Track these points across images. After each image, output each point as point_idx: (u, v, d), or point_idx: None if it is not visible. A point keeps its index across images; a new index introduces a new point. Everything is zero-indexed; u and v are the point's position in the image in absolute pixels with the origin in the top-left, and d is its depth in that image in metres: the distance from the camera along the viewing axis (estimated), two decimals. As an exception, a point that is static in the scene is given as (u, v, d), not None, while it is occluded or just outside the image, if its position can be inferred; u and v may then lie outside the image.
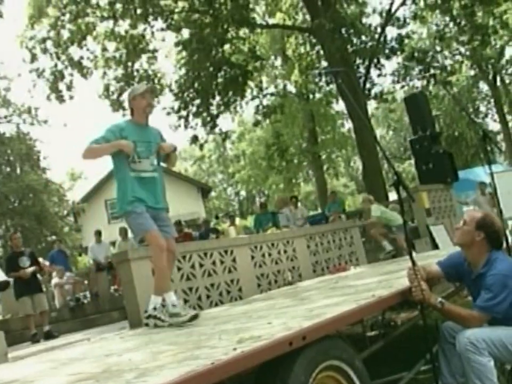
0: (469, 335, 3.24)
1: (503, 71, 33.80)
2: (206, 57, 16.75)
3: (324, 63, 19.61)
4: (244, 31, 18.78)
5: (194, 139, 18.88)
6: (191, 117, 18.26)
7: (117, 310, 9.70)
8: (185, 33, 18.13)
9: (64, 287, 12.24)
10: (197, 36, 16.77)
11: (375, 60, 18.09)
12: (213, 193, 47.22)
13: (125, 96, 18.50)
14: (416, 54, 19.68)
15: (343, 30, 16.61)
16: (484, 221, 3.48)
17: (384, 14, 18.28)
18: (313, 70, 19.46)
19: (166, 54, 20.83)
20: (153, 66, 19.07)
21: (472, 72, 32.64)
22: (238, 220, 21.43)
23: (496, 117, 36.41)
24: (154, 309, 4.24)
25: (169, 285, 4.41)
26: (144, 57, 18.64)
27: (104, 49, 18.28)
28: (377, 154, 16.06)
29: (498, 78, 33.92)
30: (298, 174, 29.22)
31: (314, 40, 18.56)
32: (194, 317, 4.09)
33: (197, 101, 17.97)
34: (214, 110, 18.49)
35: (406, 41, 19.47)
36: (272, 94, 24.09)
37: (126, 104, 18.43)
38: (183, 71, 18.20)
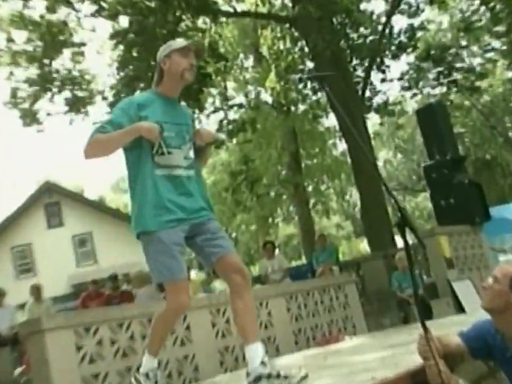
0: None
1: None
2: (149, 53, 16.81)
3: (310, 64, 20.04)
4: (203, 20, 19.02)
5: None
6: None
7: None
8: (124, 21, 18.27)
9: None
10: (138, 25, 16.86)
11: (378, 60, 18.55)
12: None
13: (39, 105, 18.44)
14: (433, 52, 20.14)
15: (335, 20, 17.04)
16: (524, 278, 3.42)
17: (390, -1, 18.73)
18: (295, 73, 19.78)
19: (98, 50, 20.91)
20: (79, 66, 19.06)
21: (510, 74, 32.44)
22: (194, 274, 21.35)
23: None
24: (263, 363, 3.81)
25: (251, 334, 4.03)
26: (66, 52, 18.55)
27: (10, 39, 17.86)
28: (380, 185, 16.32)
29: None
30: (276, 211, 29.40)
31: (296, 34, 18.93)
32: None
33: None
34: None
35: (420, 34, 20.03)
36: (240, 105, 24.28)
37: (42, 116, 18.62)
38: (120, 72, 18.30)
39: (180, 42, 4.29)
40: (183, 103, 4.52)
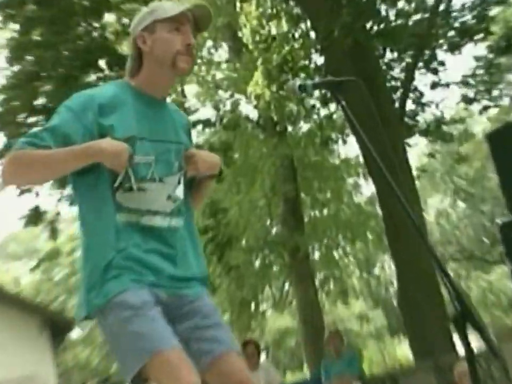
0: None
1: None
2: (60, 37, 16.92)
3: (318, 59, 20.28)
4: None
5: (36, 216, 18.90)
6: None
7: None
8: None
9: None
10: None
11: (427, 53, 18.74)
12: (76, 334, 46.53)
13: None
14: (514, 39, 20.31)
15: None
16: None
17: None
18: (293, 75, 20.00)
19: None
20: None
21: None
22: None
23: None
24: None
25: None
26: None
27: None
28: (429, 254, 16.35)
29: None
30: (262, 291, 29.43)
31: (297, 10, 19.24)
32: None
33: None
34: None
35: (495, 11, 20.16)
36: (207, 122, 23.94)
37: None
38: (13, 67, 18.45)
39: (169, 6, 4.06)
40: (172, 105, 4.34)
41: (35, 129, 3.85)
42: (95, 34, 17.99)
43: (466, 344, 3.41)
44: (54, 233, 20.14)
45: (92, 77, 18.06)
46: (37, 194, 18.40)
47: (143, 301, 3.61)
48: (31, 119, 18.01)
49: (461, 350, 15.04)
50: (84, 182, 3.84)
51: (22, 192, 18.09)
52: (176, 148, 4.05)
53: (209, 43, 25.64)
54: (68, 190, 18.71)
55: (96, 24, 17.99)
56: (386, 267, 40.48)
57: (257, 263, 27.02)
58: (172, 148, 4.03)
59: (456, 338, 17.12)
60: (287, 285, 30.55)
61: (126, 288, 3.63)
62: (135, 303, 3.58)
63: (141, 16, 4.07)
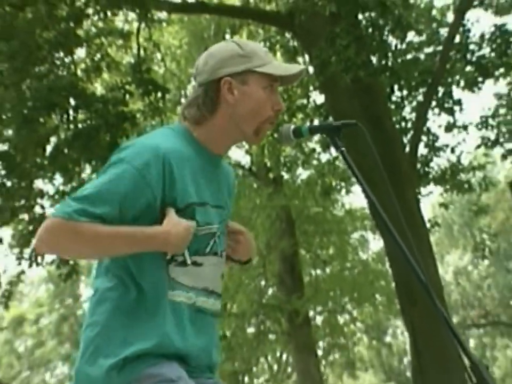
0: None
1: None
2: (22, 74, 17.02)
3: (318, 98, 20.37)
4: (125, 17, 19.47)
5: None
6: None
7: None
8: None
9: None
10: (3, 22, 17.01)
11: (440, 91, 18.82)
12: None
13: None
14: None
15: (363, 18, 17.34)
16: None
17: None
18: (289, 116, 20.09)
19: None
20: None
21: None
22: None
23: None
24: None
25: None
26: None
27: None
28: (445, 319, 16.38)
29: None
30: (257, 363, 29.39)
31: (294, 43, 19.37)
32: None
33: (3, 183, 18.22)
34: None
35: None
36: None
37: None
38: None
39: (267, 56, 3.79)
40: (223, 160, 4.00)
41: (87, 187, 3.45)
42: (61, 72, 18.07)
43: None
44: (8, 299, 19.82)
45: (55, 120, 18.10)
46: None
47: (180, 375, 3.44)
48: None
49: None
50: (135, 259, 3.55)
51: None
52: (227, 214, 3.95)
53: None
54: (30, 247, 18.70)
55: (66, 60, 18.09)
56: (399, 334, 40.39)
57: (250, 330, 26.95)
58: (225, 214, 3.91)
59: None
60: (285, 355, 30.52)
61: (157, 362, 3.43)
62: (171, 375, 3.40)
63: (228, 56, 3.69)
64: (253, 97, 3.63)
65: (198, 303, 3.62)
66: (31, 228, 18.43)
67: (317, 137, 20.87)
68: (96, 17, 18.40)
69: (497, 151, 21.29)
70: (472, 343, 43.14)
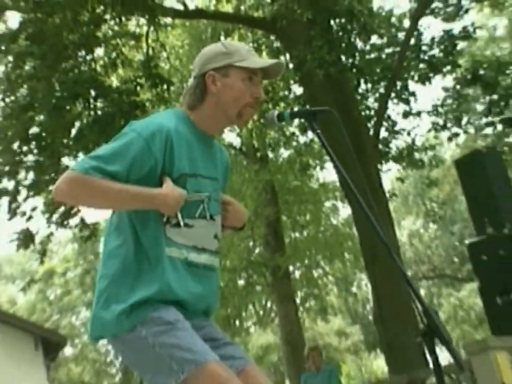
0: None
1: None
2: (51, 70, 16.96)
3: (297, 90, 20.30)
4: (136, 22, 19.33)
5: (28, 239, 18.74)
6: (23, 193, 18.27)
7: None
8: (13, 20, 18.46)
9: None
10: (35, 27, 17.01)
11: (399, 84, 18.82)
12: (69, 351, 46.50)
13: None
14: (481, 72, 20.41)
15: (334, 24, 17.31)
16: None
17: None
18: (274, 104, 20.02)
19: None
20: None
21: None
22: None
23: None
24: None
25: None
26: None
27: None
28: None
29: None
30: (245, 310, 29.39)
31: (277, 44, 19.24)
32: None
33: (36, 160, 18.07)
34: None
35: (462, 45, 20.31)
36: None
37: None
38: (6, 98, 18.38)
39: (248, 54, 3.86)
40: (217, 142, 4.10)
41: (102, 149, 3.62)
42: (83, 67, 18.10)
43: (434, 358, 3.43)
44: (43, 256, 19.95)
45: (79, 108, 18.18)
46: (29, 218, 18.36)
47: (177, 318, 3.53)
48: (25, 147, 18.05)
49: (431, 364, 14.88)
50: (139, 212, 3.67)
51: (13, 216, 18.11)
52: (219, 186, 3.96)
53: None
54: (58, 213, 18.69)
55: (87, 57, 18.06)
56: (363, 285, 40.40)
57: (241, 283, 26.93)
58: (218, 186, 3.93)
59: (426, 353, 17.04)
60: (269, 303, 30.48)
61: (158, 307, 3.52)
62: (170, 318, 3.50)
63: (214, 54, 3.84)
64: (233, 87, 3.75)
65: (189, 258, 3.68)
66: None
67: (296, 122, 20.89)
68: (112, 22, 18.37)
69: (445, 135, 21.20)
70: (422, 292, 43.17)
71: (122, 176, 3.49)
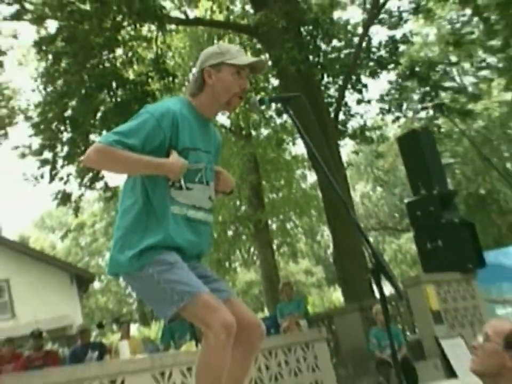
0: None
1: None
2: (81, 65, 16.96)
3: (274, 82, 20.25)
4: (148, 28, 19.24)
5: (65, 198, 18.74)
6: (60, 162, 18.24)
7: None
8: (52, 26, 18.48)
9: None
10: (69, 32, 16.99)
11: (354, 78, 18.84)
12: (96, 285, 46.57)
13: None
14: (417, 69, 20.52)
15: (303, 30, 17.32)
16: (518, 335, 3.36)
17: (368, 6, 19.13)
18: (256, 92, 19.99)
19: (20, 60, 20.88)
20: (-2, 79, 19.12)
21: (508, 96, 31.52)
22: (135, 329, 21.14)
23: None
24: None
25: None
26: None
27: None
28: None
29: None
30: (233, 254, 29.45)
31: (259, 46, 19.17)
32: None
33: (70, 136, 18.04)
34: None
35: (402, 48, 20.38)
36: None
37: None
38: (47, 88, 18.30)
39: (237, 54, 3.93)
40: (212, 125, 4.21)
41: (122, 126, 3.73)
42: (106, 64, 18.10)
43: (380, 290, 3.48)
44: (76, 211, 20.24)
45: (103, 96, 18.24)
46: (65, 182, 18.48)
47: (177, 260, 3.67)
48: (62, 127, 18.13)
49: (378, 294, 14.99)
50: (150, 176, 3.75)
51: (52, 180, 18.19)
52: (214, 159, 4.04)
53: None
54: (89, 177, 18.87)
55: (109, 56, 18.06)
56: (325, 235, 40.42)
57: (229, 233, 27.01)
58: (212, 158, 3.99)
59: (374, 286, 17.12)
60: (252, 249, 30.53)
61: (162, 252, 3.65)
62: (171, 260, 3.64)
63: (210, 54, 3.91)
64: (224, 80, 3.83)
65: (188, 215, 3.79)
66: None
67: (273, 107, 20.87)
68: (129, 28, 18.30)
69: (389, 117, 21.25)
70: (371, 240, 43.45)
71: (138, 148, 3.60)
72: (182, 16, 21.58)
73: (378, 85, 37.84)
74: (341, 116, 19.17)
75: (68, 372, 6.47)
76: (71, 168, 18.64)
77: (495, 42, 20.63)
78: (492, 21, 19.14)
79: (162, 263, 3.63)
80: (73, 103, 17.94)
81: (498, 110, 32.77)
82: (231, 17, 22.18)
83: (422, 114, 21.10)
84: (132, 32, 18.72)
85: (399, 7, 19.73)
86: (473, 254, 11.99)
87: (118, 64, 18.58)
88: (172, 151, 3.69)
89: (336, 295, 42.08)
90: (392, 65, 19.63)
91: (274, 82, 20.82)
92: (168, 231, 3.69)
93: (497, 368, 3.36)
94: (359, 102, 19.77)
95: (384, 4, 18.69)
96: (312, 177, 28.25)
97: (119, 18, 17.17)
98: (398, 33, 19.63)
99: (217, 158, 4.13)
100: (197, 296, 3.52)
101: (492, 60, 23.93)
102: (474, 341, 3.63)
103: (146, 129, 3.65)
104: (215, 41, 22.95)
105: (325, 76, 19.05)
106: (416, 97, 20.93)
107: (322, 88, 18.94)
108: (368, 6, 19.41)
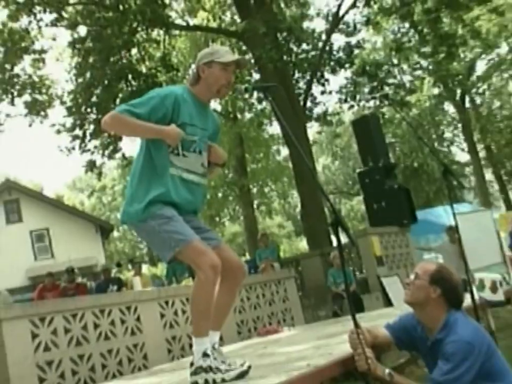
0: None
1: (473, 90, 34.02)
2: (105, 61, 16.90)
3: (256, 76, 20.17)
4: (157, 32, 19.10)
5: (91, 165, 18.72)
6: (88, 138, 18.17)
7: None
8: (82, 31, 18.33)
9: None
10: (96, 35, 17.00)
11: (318, 74, 18.80)
12: (115, 233, 46.64)
13: None
14: (367, 68, 20.47)
15: (279, 36, 17.23)
16: (440, 274, 3.47)
17: (330, 18, 19.07)
18: (242, 84, 19.90)
19: (57, 57, 20.74)
20: (39, 71, 19.04)
21: (436, 91, 33.39)
22: (145, 268, 21.14)
23: (464, 145, 36.64)
24: (205, 355, 3.57)
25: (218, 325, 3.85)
26: (27, 59, 18.51)
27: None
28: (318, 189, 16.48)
29: (467, 99, 34.49)
30: (223, 211, 29.55)
31: (244, 47, 19.07)
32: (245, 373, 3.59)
33: (95, 117, 17.96)
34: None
35: (356, 51, 20.35)
36: None
37: (2, 118, 18.38)
38: (78, 79, 18.19)
39: (225, 54, 3.96)
40: (211, 109, 4.24)
41: (135, 100, 3.78)
42: (124, 60, 18.03)
43: (337, 239, 3.46)
44: (99, 176, 20.69)
45: (122, 85, 18.15)
46: (92, 153, 18.70)
47: (173, 214, 3.68)
48: (89, 109, 18.13)
49: (335, 243, 15.09)
50: (155, 141, 3.75)
51: (83, 152, 18.21)
52: (210, 135, 4.00)
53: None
54: (109, 150, 18.99)
55: (127, 54, 18.01)
56: (295, 197, 40.52)
57: (220, 194, 27.05)
58: (207, 134, 3.96)
59: (333, 236, 17.21)
60: (237, 207, 30.56)
61: (161, 207, 3.67)
62: (169, 214, 3.65)
63: (204, 54, 3.94)
64: (214, 75, 3.85)
65: (183, 176, 3.78)
66: (108, 140, 18.39)
67: (255, 95, 20.77)
68: (142, 32, 18.15)
69: (346, 106, 21.21)
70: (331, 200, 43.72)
71: (144, 117, 3.64)
72: (184, 23, 21.59)
73: (338, 80, 37.77)
74: (308, 104, 19.11)
75: (94, 299, 6.50)
76: (97, 142, 18.64)
77: (427, 49, 20.85)
78: (424, 33, 19.29)
79: (161, 217, 3.65)
80: (98, 91, 17.77)
81: (428, 101, 33.88)
82: (223, 24, 21.99)
83: (371, 103, 21.03)
84: (145, 36, 18.66)
85: (354, 20, 19.94)
86: (408, 213, 12.08)
87: (133, 61, 18.49)
88: (172, 124, 3.70)
89: (302, 244, 42.35)
90: (348, 65, 19.59)
91: (256, 76, 20.67)
92: (167, 187, 3.70)
93: (424, 299, 3.47)
94: (322, 93, 19.67)
95: (342, 17, 18.85)
96: (285, 151, 28.28)
97: (134, 24, 17.07)
98: (353, 40, 19.77)
99: (217, 137, 4.14)
100: (190, 243, 3.57)
101: (424, 62, 24.49)
102: (407, 279, 3.71)
103: (151, 103, 3.69)
104: (210, 43, 22.86)
105: (296, 72, 18.96)
106: (366, 90, 20.82)
107: (294, 81, 18.79)
108: (330, 18, 19.47)
